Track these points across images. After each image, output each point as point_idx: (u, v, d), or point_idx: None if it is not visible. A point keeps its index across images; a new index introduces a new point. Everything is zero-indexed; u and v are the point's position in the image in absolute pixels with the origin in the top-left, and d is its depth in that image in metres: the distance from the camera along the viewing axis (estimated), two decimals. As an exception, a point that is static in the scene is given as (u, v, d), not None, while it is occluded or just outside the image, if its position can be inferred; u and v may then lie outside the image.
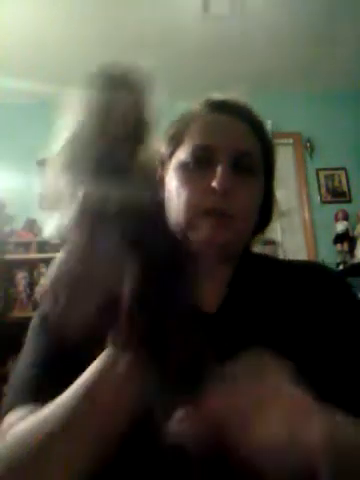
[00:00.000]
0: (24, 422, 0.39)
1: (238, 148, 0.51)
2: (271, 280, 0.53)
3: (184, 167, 0.51)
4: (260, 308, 0.50)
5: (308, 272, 0.55)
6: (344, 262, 2.58)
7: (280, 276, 0.54)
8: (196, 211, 0.49)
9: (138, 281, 0.27)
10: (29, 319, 0.53)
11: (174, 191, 0.51)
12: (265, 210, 0.56)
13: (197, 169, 0.50)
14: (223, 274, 0.53)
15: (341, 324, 0.49)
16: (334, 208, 2.78)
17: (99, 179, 0.40)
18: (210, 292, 0.51)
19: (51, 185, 0.44)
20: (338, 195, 2.88)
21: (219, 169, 0.48)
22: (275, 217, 0.59)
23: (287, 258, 0.77)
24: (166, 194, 0.53)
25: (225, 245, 0.50)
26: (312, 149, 2.91)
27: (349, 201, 2.86)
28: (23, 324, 0.55)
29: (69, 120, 0.47)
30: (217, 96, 0.57)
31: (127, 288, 0.28)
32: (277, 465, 0.30)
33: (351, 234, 2.64)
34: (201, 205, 0.49)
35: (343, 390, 0.44)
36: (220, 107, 0.55)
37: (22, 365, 0.49)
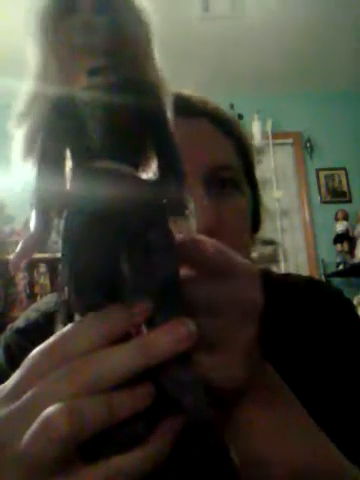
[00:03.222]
0: None
1: (210, 161, 0.39)
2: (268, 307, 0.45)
3: None
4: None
5: (307, 294, 0.47)
6: (344, 262, 2.58)
7: (277, 302, 0.44)
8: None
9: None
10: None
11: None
12: (253, 220, 0.46)
13: None
14: None
15: (345, 350, 0.43)
16: (334, 208, 2.78)
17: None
18: None
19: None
20: (338, 195, 2.88)
21: (192, 198, 0.38)
22: (263, 222, 0.49)
23: (285, 263, 0.69)
24: None
25: None
26: (312, 149, 2.91)
27: (349, 201, 2.86)
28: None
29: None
30: (173, 93, 0.45)
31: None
32: None
33: (351, 234, 2.64)
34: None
35: (346, 417, 0.39)
36: (178, 108, 0.42)
37: None
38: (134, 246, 0.22)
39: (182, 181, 0.23)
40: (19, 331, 0.45)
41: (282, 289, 0.47)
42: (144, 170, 0.23)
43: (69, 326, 0.22)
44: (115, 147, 0.22)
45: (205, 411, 0.23)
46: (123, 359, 0.21)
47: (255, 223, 0.48)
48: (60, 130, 0.22)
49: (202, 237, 0.26)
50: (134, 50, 0.22)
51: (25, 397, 0.21)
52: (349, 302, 0.49)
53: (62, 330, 0.22)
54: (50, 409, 0.20)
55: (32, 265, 2.34)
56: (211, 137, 0.40)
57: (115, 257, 0.21)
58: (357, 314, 0.47)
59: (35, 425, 0.20)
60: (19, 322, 0.46)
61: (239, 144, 0.43)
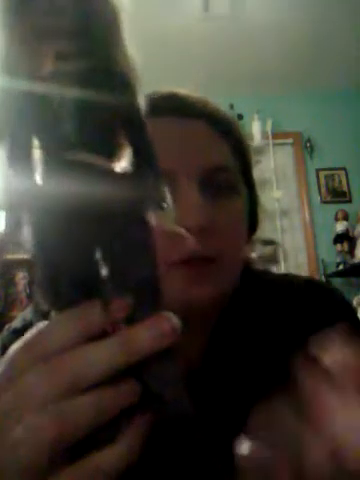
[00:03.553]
0: None
1: (206, 163, 0.38)
2: (265, 316, 0.43)
3: None
4: (250, 354, 0.40)
5: (307, 296, 0.45)
6: (344, 262, 2.58)
7: (276, 303, 0.44)
8: (166, 264, 0.35)
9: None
10: (29, 319, 0.53)
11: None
12: (250, 220, 0.45)
13: None
14: (206, 324, 0.42)
15: None
16: (334, 208, 2.78)
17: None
18: (192, 346, 0.41)
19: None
20: (338, 195, 2.88)
21: (185, 199, 0.35)
22: (262, 222, 0.48)
23: (285, 263, 0.67)
24: None
25: (212, 300, 0.37)
26: (312, 149, 2.91)
27: (349, 201, 2.86)
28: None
29: None
30: (163, 92, 0.42)
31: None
32: None
33: (351, 234, 2.64)
34: (172, 255, 0.35)
35: None
36: (167, 108, 0.40)
37: None
38: (112, 243, 0.21)
39: (158, 174, 0.22)
40: (16, 331, 0.45)
41: (281, 290, 0.46)
42: (117, 163, 0.22)
43: (46, 323, 0.22)
44: (90, 138, 0.21)
45: (186, 404, 0.23)
46: (104, 356, 0.21)
47: (252, 224, 0.47)
48: (31, 120, 0.20)
49: (182, 230, 0.25)
50: (103, 34, 0.21)
51: (5, 398, 0.20)
52: (349, 305, 0.47)
53: (39, 326, 0.22)
54: (35, 414, 0.19)
55: (32, 265, 2.34)
56: (207, 138, 0.40)
57: (91, 254, 0.21)
58: (357, 317, 0.46)
59: (20, 431, 0.19)
60: (16, 322, 0.46)
61: (237, 145, 0.43)
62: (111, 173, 0.21)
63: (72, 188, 0.20)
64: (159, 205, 0.22)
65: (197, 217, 0.34)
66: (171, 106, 0.40)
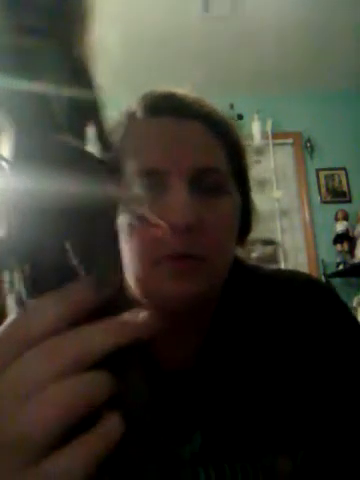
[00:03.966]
0: None
1: (197, 163, 0.38)
2: (257, 314, 0.43)
3: None
4: (244, 354, 0.41)
5: (298, 294, 0.45)
6: (344, 262, 2.58)
7: (266, 308, 0.44)
8: (152, 260, 0.36)
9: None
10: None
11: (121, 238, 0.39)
12: (243, 223, 0.45)
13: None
14: (199, 323, 0.42)
15: (340, 365, 0.41)
16: (334, 208, 2.78)
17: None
18: (185, 345, 0.42)
19: None
20: (338, 195, 2.88)
21: (174, 197, 0.36)
22: (256, 225, 0.48)
23: (285, 263, 0.67)
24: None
25: (196, 298, 0.37)
26: (312, 149, 2.91)
27: (349, 201, 2.86)
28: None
29: None
30: (160, 92, 0.42)
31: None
32: None
33: (351, 234, 2.64)
34: (157, 252, 0.36)
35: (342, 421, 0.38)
36: (164, 108, 0.40)
37: None
38: (82, 234, 0.21)
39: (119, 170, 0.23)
40: None
41: (274, 287, 0.45)
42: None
43: (31, 303, 0.22)
44: (75, 122, 0.21)
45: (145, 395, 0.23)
46: (104, 337, 0.21)
47: (246, 226, 0.47)
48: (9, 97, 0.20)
49: (153, 215, 0.26)
50: (74, 19, 0.21)
51: (2, 377, 0.20)
52: (345, 305, 0.46)
53: (20, 311, 0.22)
54: (37, 394, 0.19)
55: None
56: (201, 139, 0.40)
57: (62, 244, 0.21)
58: (352, 316, 0.46)
59: (24, 411, 0.19)
60: None
61: (233, 147, 0.43)
62: (95, 163, 0.21)
63: (50, 177, 0.20)
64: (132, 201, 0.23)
65: (185, 215, 0.35)
66: (168, 106, 0.40)
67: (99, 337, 0.21)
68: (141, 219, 0.23)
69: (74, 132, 0.21)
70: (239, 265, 0.46)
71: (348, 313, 0.45)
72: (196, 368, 0.40)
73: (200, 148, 0.39)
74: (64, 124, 0.21)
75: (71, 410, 0.19)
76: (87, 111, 0.22)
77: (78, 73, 0.21)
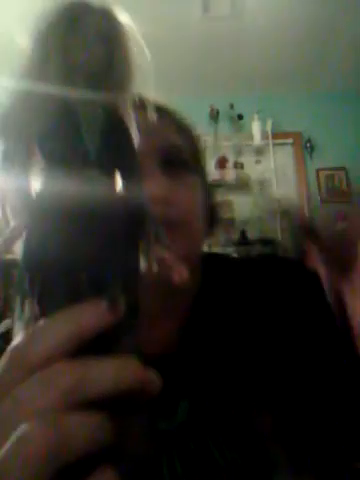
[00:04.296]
0: None
1: (164, 143, 0.42)
2: (237, 293, 0.46)
3: None
4: (226, 333, 0.43)
5: (264, 271, 0.49)
6: (344, 262, 2.58)
7: (245, 287, 0.47)
8: None
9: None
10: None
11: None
12: (208, 216, 0.48)
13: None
14: (181, 305, 0.44)
15: (314, 335, 0.44)
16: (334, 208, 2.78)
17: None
18: (169, 328, 0.43)
19: None
20: (338, 195, 2.88)
21: (149, 174, 0.39)
22: (218, 225, 0.51)
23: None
24: None
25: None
26: (312, 149, 2.91)
27: (349, 201, 2.86)
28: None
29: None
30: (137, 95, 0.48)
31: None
32: None
33: (351, 234, 2.64)
34: None
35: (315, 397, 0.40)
36: (142, 108, 0.44)
37: None
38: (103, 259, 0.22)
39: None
40: (1, 336, 0.44)
41: (240, 270, 0.49)
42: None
43: (39, 324, 0.21)
44: (109, 156, 0.22)
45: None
46: (107, 373, 0.20)
47: (212, 215, 0.50)
48: (58, 131, 0.21)
49: (173, 258, 0.26)
50: (119, 80, 0.24)
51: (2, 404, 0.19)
52: (313, 275, 0.49)
53: (30, 330, 0.21)
54: (27, 423, 0.18)
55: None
56: (166, 127, 0.44)
57: (78, 264, 0.21)
58: (321, 287, 0.48)
59: (10, 442, 0.18)
60: (1, 327, 0.46)
61: (184, 131, 0.47)
62: (120, 200, 0.23)
63: (78, 200, 0.21)
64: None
65: (159, 188, 0.39)
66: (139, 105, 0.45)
67: (98, 376, 0.20)
68: (160, 261, 0.23)
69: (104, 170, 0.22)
70: (215, 254, 0.52)
71: (316, 281, 0.49)
72: (179, 350, 0.42)
73: (166, 133, 0.44)
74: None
75: (56, 447, 0.18)
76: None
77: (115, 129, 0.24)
